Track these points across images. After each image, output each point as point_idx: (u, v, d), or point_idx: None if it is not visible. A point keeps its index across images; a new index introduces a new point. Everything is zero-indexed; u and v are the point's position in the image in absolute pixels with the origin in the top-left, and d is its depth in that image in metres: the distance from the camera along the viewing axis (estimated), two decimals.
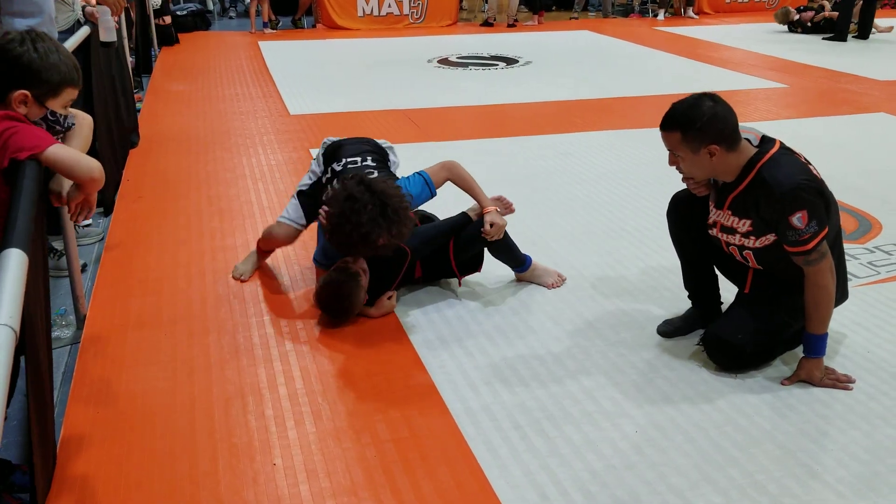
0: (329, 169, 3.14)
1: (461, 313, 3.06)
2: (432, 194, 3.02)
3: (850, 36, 9.78)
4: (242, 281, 3.28)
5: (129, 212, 4.10)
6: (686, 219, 2.79)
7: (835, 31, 9.82)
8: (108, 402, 2.49)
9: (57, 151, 2.05)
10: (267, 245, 3.37)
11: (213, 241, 3.72)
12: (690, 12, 12.24)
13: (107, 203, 4.18)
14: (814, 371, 2.54)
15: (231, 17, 12.51)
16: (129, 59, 6.19)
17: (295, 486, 2.13)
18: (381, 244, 2.72)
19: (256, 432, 2.35)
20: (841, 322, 2.95)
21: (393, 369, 2.69)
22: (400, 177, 3.09)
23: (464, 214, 3.11)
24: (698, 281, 2.89)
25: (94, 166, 2.13)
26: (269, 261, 3.45)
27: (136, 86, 6.83)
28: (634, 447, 2.28)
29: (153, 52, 8.62)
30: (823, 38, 9.80)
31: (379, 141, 3.35)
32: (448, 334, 2.91)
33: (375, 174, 2.99)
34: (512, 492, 2.11)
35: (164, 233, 3.82)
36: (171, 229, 3.86)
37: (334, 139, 3.30)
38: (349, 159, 3.10)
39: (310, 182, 3.23)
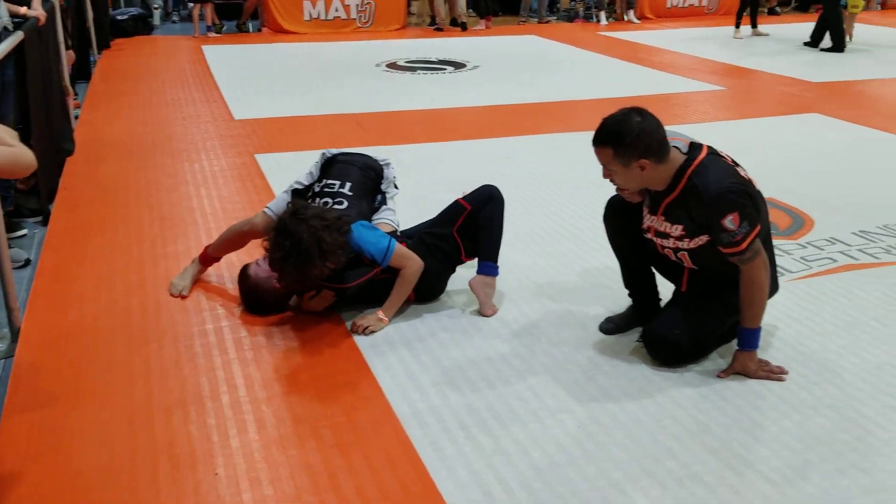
0: (315, 185, 3.23)
1: (407, 315, 3.07)
2: (381, 264, 2.96)
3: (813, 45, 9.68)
4: (183, 297, 3.21)
5: (66, 221, 4.02)
6: (622, 223, 2.88)
7: (832, 41, 9.54)
8: (45, 415, 2.44)
9: None
10: (228, 246, 3.32)
11: (154, 249, 3.67)
12: (632, 16, 12.44)
13: (43, 212, 4.09)
14: (748, 363, 2.62)
15: (174, 22, 12.34)
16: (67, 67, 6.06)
17: (238, 496, 2.12)
18: (290, 283, 2.87)
19: (198, 442, 2.33)
20: (774, 315, 3.04)
21: (338, 374, 2.69)
22: (381, 213, 3.22)
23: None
24: (637, 280, 2.96)
25: (31, 159, 2.17)
26: (211, 268, 3.42)
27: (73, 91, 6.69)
28: (576, 443, 2.32)
29: (92, 58, 8.45)
30: (822, 50, 9.54)
31: (378, 157, 3.37)
32: (394, 336, 2.92)
33: (345, 204, 3.06)
34: (458, 492, 2.13)
35: (102, 241, 3.75)
36: (110, 238, 3.80)
37: (335, 151, 3.33)
38: (329, 181, 3.16)
39: (305, 183, 3.29)
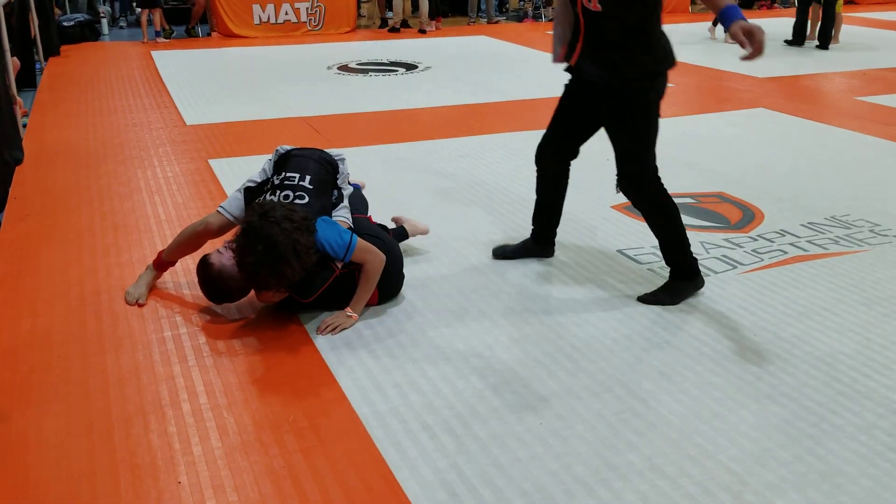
0: (273, 177, 3.17)
1: (365, 316, 3.06)
2: (342, 259, 2.95)
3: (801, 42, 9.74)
4: (140, 305, 3.17)
5: (15, 231, 3.93)
6: (546, 164, 3.40)
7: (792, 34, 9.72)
8: (1, 429, 2.38)
9: None
10: (183, 249, 3.28)
11: (108, 258, 3.61)
12: (551, 14, 12.56)
13: None
14: (743, 27, 2.52)
15: (122, 27, 12.13)
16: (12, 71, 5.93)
17: (201, 503, 2.10)
18: (263, 286, 2.87)
19: (159, 451, 2.30)
20: (728, 307, 3.11)
21: (299, 378, 2.68)
22: (338, 210, 3.18)
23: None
24: (544, 219, 3.51)
25: None
26: (167, 275, 3.37)
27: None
28: (538, 439, 2.34)
29: (38, 65, 8.27)
30: (785, 42, 9.72)
31: (332, 151, 3.34)
32: (354, 338, 2.91)
33: (306, 198, 3.01)
34: (422, 492, 2.14)
35: (54, 251, 3.68)
36: (62, 247, 3.72)
37: (288, 147, 3.28)
38: (289, 174, 3.10)
39: (258, 180, 3.24)
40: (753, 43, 2.55)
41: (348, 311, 3.00)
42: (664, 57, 2.96)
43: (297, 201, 3.00)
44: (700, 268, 3.22)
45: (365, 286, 3.03)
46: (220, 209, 3.22)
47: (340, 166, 3.32)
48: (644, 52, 2.92)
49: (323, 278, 2.97)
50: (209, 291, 3.07)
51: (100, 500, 2.11)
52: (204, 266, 3.05)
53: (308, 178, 3.10)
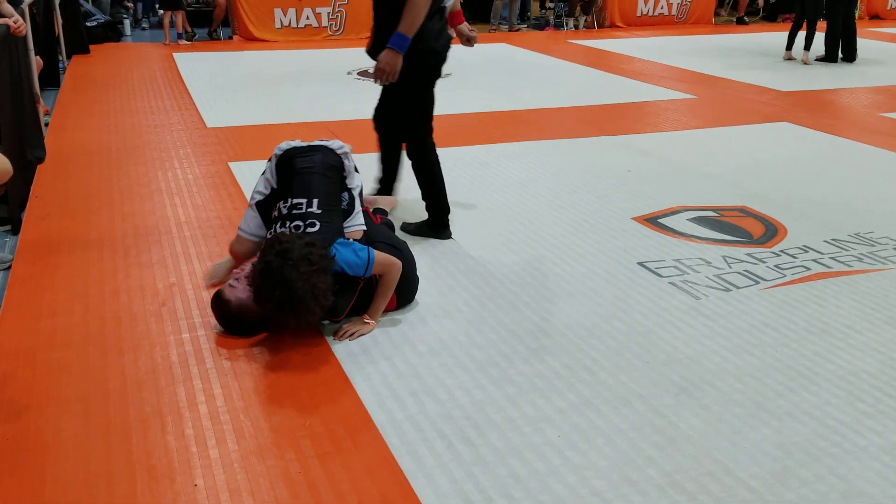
0: (280, 202, 3.05)
1: (383, 323, 3.05)
2: (363, 276, 2.93)
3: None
4: (214, 286, 3.21)
5: (37, 230, 3.95)
6: (384, 129, 4.03)
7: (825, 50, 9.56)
8: (19, 428, 2.39)
9: None
10: (230, 272, 3.23)
11: (128, 259, 3.62)
12: (579, 23, 12.53)
13: (14, 222, 4.02)
14: (388, 59, 3.48)
15: (144, 29, 12.23)
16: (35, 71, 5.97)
17: None
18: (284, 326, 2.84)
19: (176, 453, 2.30)
20: (750, 323, 3.08)
21: (316, 383, 2.67)
22: (352, 220, 3.13)
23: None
24: (386, 167, 4.13)
25: (8, 164, 2.20)
26: (186, 276, 3.38)
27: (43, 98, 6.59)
28: (556, 451, 2.32)
29: (60, 64, 8.35)
30: (817, 59, 9.55)
31: (332, 145, 3.22)
32: (371, 345, 2.90)
33: (317, 225, 2.92)
34: (438, 501, 2.12)
35: (75, 250, 3.70)
36: (83, 247, 3.74)
37: (288, 146, 3.18)
38: (296, 200, 2.99)
39: (265, 192, 3.17)
40: (376, 72, 3.54)
41: (366, 317, 3.00)
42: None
43: (309, 229, 2.91)
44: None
45: (383, 294, 3.02)
46: (239, 232, 3.20)
47: (346, 162, 3.21)
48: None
49: (349, 294, 2.95)
50: (229, 327, 2.96)
51: (116, 501, 2.10)
52: (220, 303, 2.94)
53: (315, 201, 3.00)
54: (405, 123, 3.87)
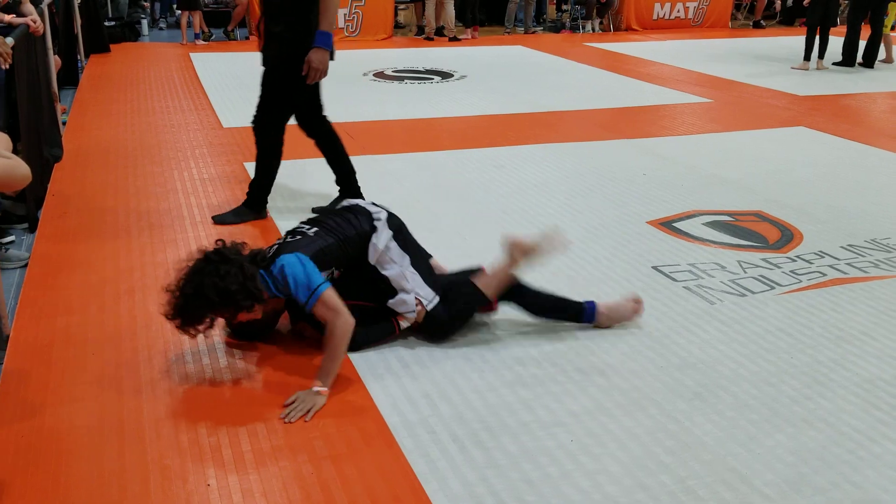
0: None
1: None
2: (304, 303, 2.61)
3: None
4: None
5: (53, 228, 3.98)
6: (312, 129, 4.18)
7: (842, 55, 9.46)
8: (33, 425, 2.41)
9: None
10: None
11: (143, 257, 3.64)
12: (595, 26, 12.50)
13: (31, 220, 4.05)
14: (320, 58, 3.78)
15: (161, 29, 12.30)
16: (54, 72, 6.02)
17: None
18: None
19: (189, 452, 2.30)
20: (765, 328, 3.06)
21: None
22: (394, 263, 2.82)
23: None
24: (338, 168, 4.21)
25: (27, 171, 2.18)
26: None
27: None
28: (569, 456, 2.31)
29: (79, 63, 8.41)
30: (834, 64, 9.43)
31: (373, 210, 2.91)
32: (385, 347, 2.90)
33: (297, 237, 2.78)
34: None
35: (91, 249, 3.72)
36: (99, 245, 3.76)
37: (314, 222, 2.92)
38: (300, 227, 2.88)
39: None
40: (310, 70, 3.79)
41: (316, 386, 2.55)
42: None
43: (289, 238, 2.79)
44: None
45: (331, 354, 2.59)
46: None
47: (373, 237, 2.83)
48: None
49: (377, 330, 2.83)
50: (235, 332, 2.91)
51: (129, 499, 2.11)
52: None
53: (315, 228, 2.82)
54: (277, 114, 4.02)
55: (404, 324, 2.89)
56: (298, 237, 2.79)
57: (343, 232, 2.82)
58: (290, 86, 3.91)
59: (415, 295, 2.83)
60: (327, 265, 2.76)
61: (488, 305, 2.94)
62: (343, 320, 2.60)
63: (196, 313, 2.56)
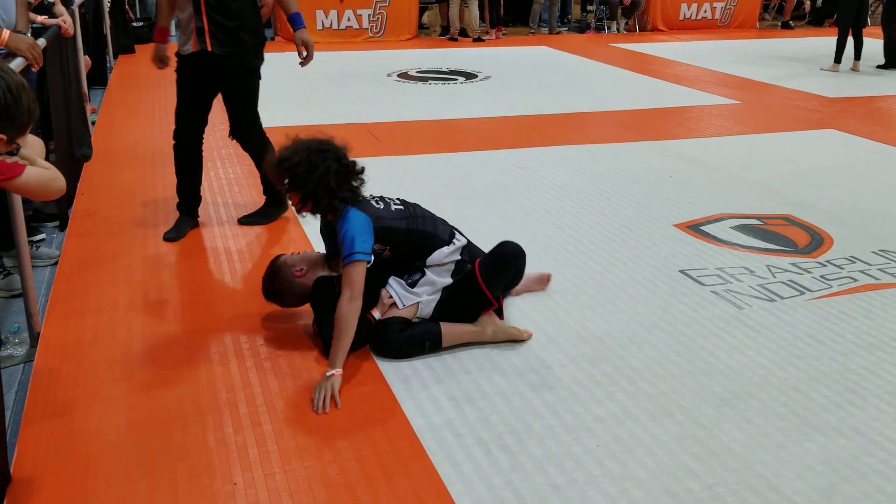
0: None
1: None
2: (342, 258, 2.71)
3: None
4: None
5: (83, 226, 4.02)
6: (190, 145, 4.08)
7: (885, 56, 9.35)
8: (63, 422, 2.43)
9: (29, 177, 2.09)
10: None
11: (170, 257, 3.66)
12: (620, 27, 12.42)
13: (61, 218, 4.10)
14: (309, 37, 3.98)
15: None
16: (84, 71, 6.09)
17: None
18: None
19: (216, 451, 2.32)
20: (794, 334, 3.02)
21: (355, 385, 2.68)
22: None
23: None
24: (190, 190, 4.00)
25: (63, 183, 2.23)
26: (227, 278, 3.41)
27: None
28: (596, 461, 2.30)
29: (108, 63, 8.49)
30: (877, 67, 9.32)
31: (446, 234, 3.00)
32: None
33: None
34: None
35: (120, 247, 3.75)
36: (128, 243, 3.80)
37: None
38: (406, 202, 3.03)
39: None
40: (309, 52, 3.94)
41: (327, 371, 2.62)
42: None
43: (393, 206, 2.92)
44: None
45: (339, 336, 2.63)
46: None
47: (437, 253, 2.92)
48: None
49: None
50: (264, 282, 3.05)
51: (157, 496, 2.13)
52: (273, 260, 3.07)
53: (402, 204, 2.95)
54: (255, 120, 4.30)
55: (380, 311, 2.89)
56: (381, 206, 2.89)
57: (419, 225, 2.92)
58: (255, 85, 4.27)
59: (418, 296, 2.89)
60: (385, 242, 2.87)
61: (490, 306, 2.95)
62: (349, 300, 2.65)
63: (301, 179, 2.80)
